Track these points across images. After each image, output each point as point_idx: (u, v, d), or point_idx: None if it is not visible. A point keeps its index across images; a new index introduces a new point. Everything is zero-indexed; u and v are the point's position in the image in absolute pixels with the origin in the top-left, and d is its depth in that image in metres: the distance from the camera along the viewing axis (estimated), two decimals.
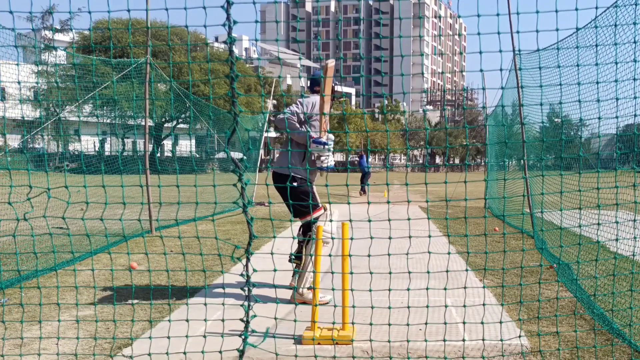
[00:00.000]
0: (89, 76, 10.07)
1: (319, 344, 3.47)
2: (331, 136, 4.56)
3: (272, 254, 3.01)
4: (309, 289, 4.57)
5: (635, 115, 2.95)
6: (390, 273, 3.07)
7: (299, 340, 3.60)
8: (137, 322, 4.03)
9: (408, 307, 3.23)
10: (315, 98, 4.59)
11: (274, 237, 3.03)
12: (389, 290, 3.12)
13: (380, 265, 3.30)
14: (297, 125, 4.50)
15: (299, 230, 4.76)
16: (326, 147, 4.42)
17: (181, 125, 42.98)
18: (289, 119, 4.46)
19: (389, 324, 3.19)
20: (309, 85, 4.92)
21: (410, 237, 3.01)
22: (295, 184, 4.47)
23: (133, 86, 9.18)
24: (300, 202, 4.40)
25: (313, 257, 4.37)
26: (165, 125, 39.95)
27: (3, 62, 5.80)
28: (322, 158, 4.48)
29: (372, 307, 3.12)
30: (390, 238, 2.91)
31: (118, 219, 3.25)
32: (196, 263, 6.38)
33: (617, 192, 3.08)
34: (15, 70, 6.13)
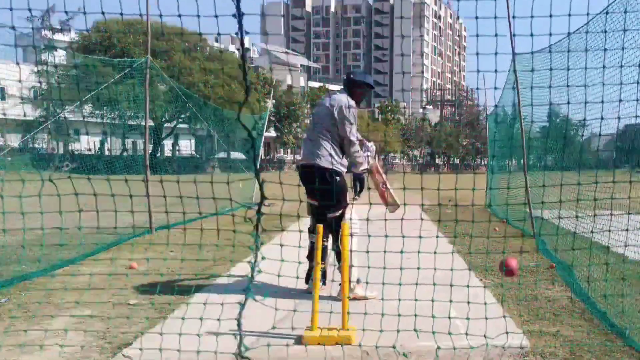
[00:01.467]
0: (89, 76, 10.09)
1: (318, 343, 3.48)
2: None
3: (280, 250, 3.01)
4: (357, 282, 4.55)
5: (636, 117, 2.96)
6: (388, 270, 3.08)
7: (299, 340, 3.60)
8: (137, 322, 4.04)
9: (408, 302, 3.24)
10: (354, 107, 4.71)
11: (281, 230, 3.03)
12: (387, 284, 3.13)
13: (380, 265, 3.30)
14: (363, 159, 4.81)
15: (309, 229, 4.74)
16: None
17: (181, 125, 42.98)
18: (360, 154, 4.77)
19: (389, 320, 3.19)
20: (348, 84, 4.87)
21: (420, 237, 3.01)
22: (338, 178, 4.55)
23: (134, 87, 9.19)
24: (337, 197, 4.46)
25: (349, 252, 4.41)
26: (165, 125, 39.94)
27: (3, 61, 5.80)
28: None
29: (370, 303, 3.13)
30: (386, 236, 2.92)
31: (118, 219, 3.26)
32: (196, 263, 6.39)
33: (614, 192, 3.09)
34: (15, 70, 6.13)
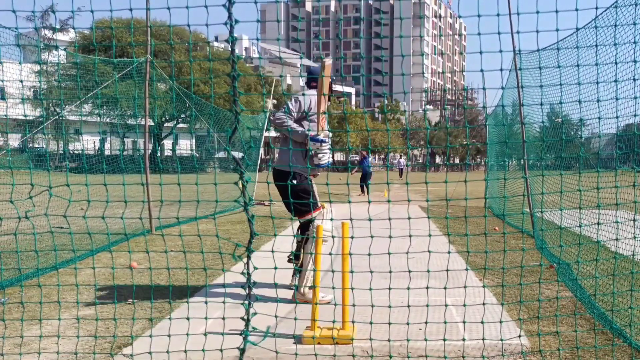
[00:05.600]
0: (88, 75, 10.09)
1: (319, 343, 3.48)
2: (328, 133, 4.50)
3: (272, 251, 3.01)
4: (310, 288, 4.57)
5: (635, 115, 2.96)
6: (390, 272, 3.08)
7: (299, 339, 3.60)
8: (138, 321, 4.03)
9: (408, 306, 3.24)
10: (313, 95, 4.55)
11: (275, 235, 3.03)
12: (389, 289, 3.12)
13: (380, 265, 3.30)
14: (293, 123, 4.44)
15: (298, 229, 4.76)
16: (323, 144, 4.36)
17: (181, 125, 42.98)
18: (282, 118, 4.42)
19: (389, 323, 3.19)
20: (306, 81, 4.85)
21: (410, 236, 3.01)
22: (294, 181, 4.44)
23: (135, 85, 9.19)
24: (300, 201, 4.38)
25: (313, 256, 4.38)
26: (166, 124, 39.95)
27: (3, 61, 5.79)
28: (320, 155, 4.41)
29: (372, 306, 3.13)
30: (390, 237, 2.92)
31: (119, 217, 3.26)
32: (196, 262, 6.39)
33: (617, 192, 3.09)
34: (14, 69, 6.13)
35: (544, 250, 5.76)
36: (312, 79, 4.76)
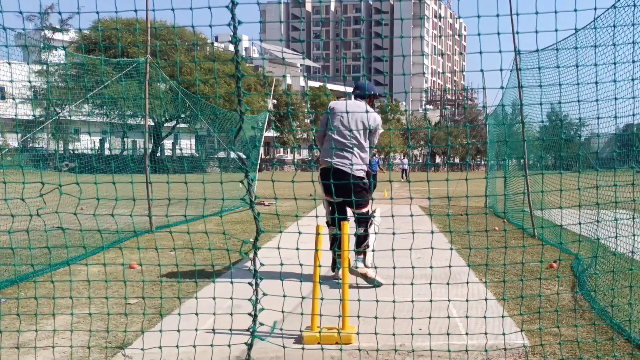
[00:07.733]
0: (88, 75, 10.09)
1: (318, 343, 3.48)
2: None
3: (278, 248, 3.02)
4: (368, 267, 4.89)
5: (634, 115, 2.97)
6: (394, 268, 3.09)
7: (299, 339, 3.61)
8: (137, 321, 4.04)
9: (412, 301, 3.25)
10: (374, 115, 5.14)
11: (280, 232, 3.05)
12: (393, 284, 3.14)
13: (382, 264, 3.32)
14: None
15: (359, 224, 5.06)
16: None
17: (181, 125, 42.93)
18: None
19: (394, 318, 3.20)
20: (354, 90, 5.40)
21: (413, 232, 3.02)
22: (365, 180, 5.12)
23: (140, 85, 9.20)
24: (362, 196, 5.03)
25: (375, 237, 5.00)
26: (166, 124, 39.91)
27: (3, 61, 5.81)
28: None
29: (377, 301, 3.14)
30: (394, 234, 2.93)
31: (119, 216, 3.27)
32: (198, 261, 6.40)
33: (616, 191, 3.10)
34: (14, 69, 6.13)
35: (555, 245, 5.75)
36: (357, 90, 5.40)
